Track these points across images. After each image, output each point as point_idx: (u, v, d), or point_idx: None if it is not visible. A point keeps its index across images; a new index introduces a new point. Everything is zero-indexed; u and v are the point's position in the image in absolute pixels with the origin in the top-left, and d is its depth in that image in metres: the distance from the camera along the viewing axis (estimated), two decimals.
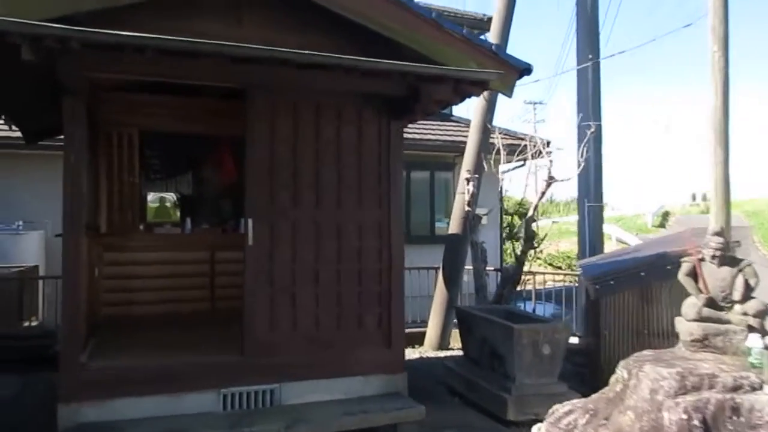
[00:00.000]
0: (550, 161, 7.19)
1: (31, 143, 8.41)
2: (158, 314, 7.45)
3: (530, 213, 7.57)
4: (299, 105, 5.67)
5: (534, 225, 7.97)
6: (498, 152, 9.23)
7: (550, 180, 7.31)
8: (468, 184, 8.59)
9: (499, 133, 9.49)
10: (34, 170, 10.37)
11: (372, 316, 5.84)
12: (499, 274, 10.48)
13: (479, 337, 6.69)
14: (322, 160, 5.74)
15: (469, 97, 6.35)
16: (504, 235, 15.53)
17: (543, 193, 7.47)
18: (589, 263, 7.53)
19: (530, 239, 7.56)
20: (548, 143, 11.65)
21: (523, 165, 14.27)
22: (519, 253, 7.63)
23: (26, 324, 9.47)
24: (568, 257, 21.81)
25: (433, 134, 13.16)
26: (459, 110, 14.94)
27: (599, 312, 6.27)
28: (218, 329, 6.76)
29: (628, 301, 6.21)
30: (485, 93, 7.40)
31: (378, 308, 5.85)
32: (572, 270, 20.50)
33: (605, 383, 4.80)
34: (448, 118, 14.27)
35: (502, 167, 14.01)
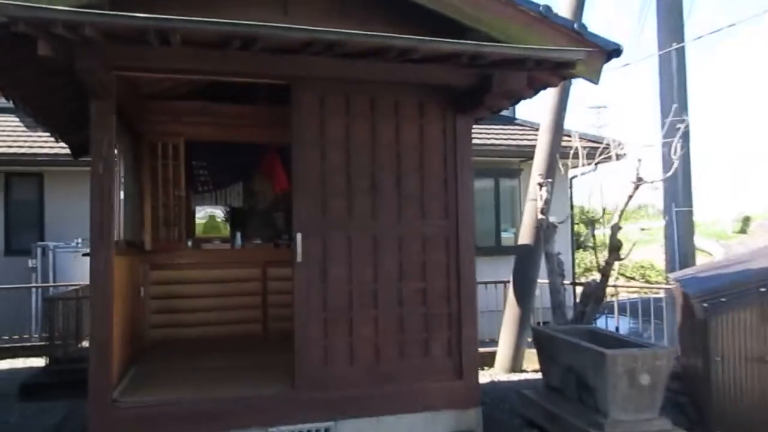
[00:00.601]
0: (639, 160, 6.21)
1: (78, 158, 7.98)
2: (207, 337, 6.82)
3: (615, 219, 6.59)
4: (352, 100, 4.92)
5: (616, 233, 6.95)
6: (575, 155, 8.27)
7: (639, 182, 6.33)
8: (541, 189, 7.64)
9: (569, 135, 8.54)
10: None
11: (440, 342, 5.00)
12: (575, 288, 9.49)
13: (563, 364, 5.74)
14: (378, 165, 4.96)
15: (544, 88, 5.46)
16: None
17: (630, 197, 6.48)
18: (687, 276, 6.48)
19: (616, 249, 6.58)
20: (607, 146, 10.56)
21: (594, 170, 13.26)
22: (603, 264, 6.65)
23: (82, 345, 9.05)
24: (642, 267, 20.34)
25: (496, 139, 12.24)
26: (522, 113, 13.96)
27: (708, 334, 5.24)
28: (269, 354, 6.06)
29: (746, 321, 5.16)
30: (561, 84, 6.48)
31: (447, 333, 5.01)
32: (648, 281, 19.11)
33: (718, 417, 3.82)
34: (512, 121, 13.32)
35: (572, 172, 13.01)
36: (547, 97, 8.35)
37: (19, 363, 9.28)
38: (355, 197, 4.89)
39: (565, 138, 8.83)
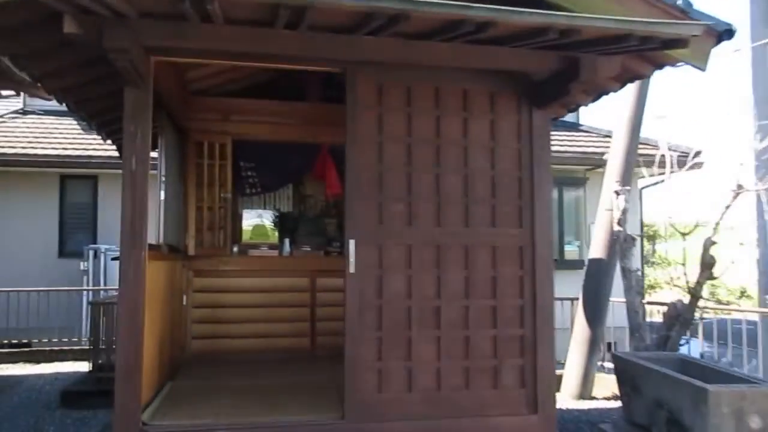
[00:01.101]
0: (740, 164, 5.36)
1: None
2: (251, 349, 6.27)
3: (710, 234, 5.72)
4: (414, 90, 4.28)
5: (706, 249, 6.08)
6: (647, 164, 7.45)
7: (739, 190, 5.47)
8: (617, 197, 6.82)
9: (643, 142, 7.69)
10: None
11: (511, 369, 4.28)
12: (643, 307, 8.58)
13: (651, 397, 4.92)
14: (443, 164, 4.30)
15: (632, 81, 4.71)
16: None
17: (728, 207, 5.63)
18: None
19: (709, 267, 5.72)
20: (698, 153, 9.65)
21: (665, 180, 12.23)
22: (694, 284, 5.79)
23: None
24: (713, 285, 18.92)
25: (560, 145, 11.38)
26: (584, 119, 13.06)
27: None
28: (317, 373, 5.46)
29: None
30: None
31: (520, 359, 4.29)
32: (720, 300, 17.76)
33: None
34: (576, 127, 12.44)
35: (641, 182, 12.03)
36: (625, 95, 7.51)
37: (67, 366, 9.00)
38: (417, 201, 4.24)
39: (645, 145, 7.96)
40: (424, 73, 4.24)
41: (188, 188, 6.13)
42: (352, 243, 4.10)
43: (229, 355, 6.20)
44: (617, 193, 6.92)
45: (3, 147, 10.97)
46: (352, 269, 4.09)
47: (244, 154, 6.58)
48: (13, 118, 12.56)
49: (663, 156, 7.41)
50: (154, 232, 5.25)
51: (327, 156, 6.68)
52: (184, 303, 6.16)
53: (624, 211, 6.84)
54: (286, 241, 6.64)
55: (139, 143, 3.92)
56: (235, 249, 6.52)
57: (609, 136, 12.13)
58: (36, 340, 9.62)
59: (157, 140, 5.30)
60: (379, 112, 4.24)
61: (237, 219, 6.82)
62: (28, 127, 12.09)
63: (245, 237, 6.75)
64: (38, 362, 9.36)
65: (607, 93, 4.88)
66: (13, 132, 11.76)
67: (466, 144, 4.34)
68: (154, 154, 5.41)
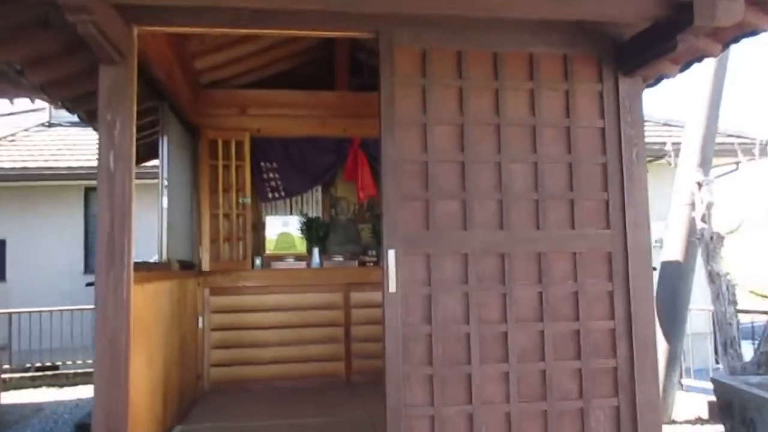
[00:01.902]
0: None
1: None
2: (277, 377, 5.34)
3: None
4: (467, 56, 3.30)
5: None
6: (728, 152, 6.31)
7: None
8: (700, 189, 5.71)
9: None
10: None
11: (603, 412, 3.23)
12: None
13: None
14: (506, 151, 3.30)
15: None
16: None
17: None
18: None
19: None
20: None
21: (735, 169, 10.95)
22: None
23: None
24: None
25: None
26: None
27: None
28: (352, 408, 4.51)
29: None
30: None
31: (613, 398, 3.24)
32: None
33: None
34: None
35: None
36: (701, 73, 6.38)
37: (90, 390, 8.25)
38: (473, 199, 3.25)
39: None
40: (478, 34, 3.26)
41: (201, 194, 5.25)
42: (391, 254, 3.13)
43: (252, 384, 5.28)
44: (700, 184, 5.80)
45: (26, 161, 10.37)
46: (392, 287, 3.12)
47: (265, 153, 5.67)
48: (38, 131, 12.01)
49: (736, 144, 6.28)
50: (156, 247, 4.37)
51: (359, 152, 5.72)
52: (200, 326, 5.27)
53: (709, 206, 5.72)
54: (315, 251, 5.70)
55: (119, 135, 3.03)
56: (258, 262, 5.61)
57: (668, 125, 10.95)
58: (60, 363, 8.89)
59: (153, 142, 4.45)
60: (422, 86, 3.27)
61: (258, 227, 5.91)
62: (53, 140, 11.50)
63: (268, 248, 5.83)
64: (62, 386, 8.64)
65: (701, 59, 3.80)
66: (36, 145, 11.18)
67: (534, 123, 3.33)
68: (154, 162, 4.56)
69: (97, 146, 3.04)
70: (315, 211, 6.17)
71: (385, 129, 3.21)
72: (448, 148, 3.26)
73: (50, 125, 12.12)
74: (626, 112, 3.35)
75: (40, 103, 10.04)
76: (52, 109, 12.05)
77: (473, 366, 3.15)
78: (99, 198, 2.98)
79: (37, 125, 12.12)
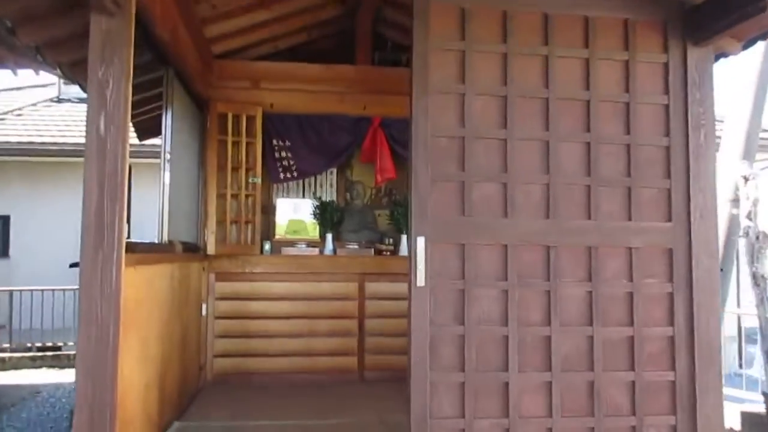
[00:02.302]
0: None
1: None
2: (285, 370, 4.94)
3: None
4: (512, 18, 2.84)
5: None
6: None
7: None
8: (746, 184, 5.22)
9: None
10: None
11: (660, 429, 2.79)
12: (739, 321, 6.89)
13: None
14: (554, 128, 2.85)
15: None
16: None
17: None
18: None
19: None
20: None
21: None
22: None
23: None
24: None
25: None
26: None
27: None
28: (365, 407, 4.11)
29: None
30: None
31: (671, 416, 2.80)
32: None
33: None
34: None
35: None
36: (747, 56, 5.87)
37: None
38: (516, 182, 2.80)
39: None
40: None
41: (208, 171, 4.82)
42: (420, 242, 2.69)
43: (257, 377, 4.89)
44: (746, 178, 5.31)
45: (32, 136, 10.01)
46: (420, 280, 2.68)
47: (277, 130, 5.24)
48: (46, 106, 11.65)
49: None
50: (157, 226, 3.96)
51: (378, 131, 5.28)
52: (204, 313, 4.87)
53: (755, 202, 5.23)
54: (329, 237, 5.27)
55: (113, 96, 2.60)
56: (267, 247, 5.19)
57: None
58: (62, 343, 8.56)
59: (158, 118, 4.03)
60: (461, 51, 2.81)
61: (268, 210, 5.49)
62: (61, 115, 11.13)
63: (278, 232, 5.42)
64: (63, 368, 8.29)
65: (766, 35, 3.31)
66: (44, 120, 10.82)
67: (587, 98, 2.87)
68: (155, 141, 4.16)
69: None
70: (329, 194, 5.74)
71: (416, 99, 2.77)
72: (489, 123, 2.81)
73: (59, 101, 11.76)
74: (695, 88, 2.89)
75: (48, 78, 9.66)
76: (62, 84, 11.70)
77: (511, 374, 2.72)
78: (86, 167, 2.56)
79: (45, 100, 11.76)
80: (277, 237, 5.39)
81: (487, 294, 2.75)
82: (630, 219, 2.85)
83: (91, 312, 2.50)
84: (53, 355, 8.44)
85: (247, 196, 4.98)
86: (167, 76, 4.00)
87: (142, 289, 3.12)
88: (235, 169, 4.94)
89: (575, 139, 2.85)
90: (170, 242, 3.98)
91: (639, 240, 2.84)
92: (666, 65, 2.92)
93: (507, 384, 2.72)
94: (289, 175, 5.28)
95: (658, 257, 2.85)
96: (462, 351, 2.71)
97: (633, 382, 2.79)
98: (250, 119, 5.01)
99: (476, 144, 2.79)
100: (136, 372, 3.03)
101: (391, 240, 5.36)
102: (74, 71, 3.76)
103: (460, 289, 2.74)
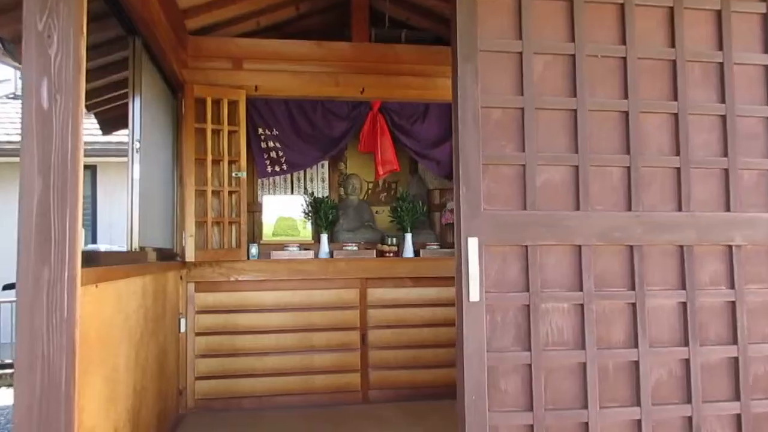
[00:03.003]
0: None
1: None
2: (279, 392, 4.26)
3: None
4: None
5: None
6: None
7: None
8: None
9: None
10: None
11: None
12: None
13: None
14: (634, 95, 2.22)
15: None
16: None
17: None
18: None
19: None
20: None
21: None
22: None
23: None
24: None
25: None
26: None
27: None
28: None
29: None
30: None
31: None
32: None
33: None
34: None
35: None
36: None
37: None
38: (588, 163, 2.17)
39: None
40: None
41: (184, 165, 4.09)
42: (473, 244, 2.04)
43: (246, 401, 4.20)
44: None
45: None
46: (474, 294, 2.03)
47: (263, 118, 4.53)
48: (2, 102, 10.72)
49: None
50: (126, 231, 3.25)
51: (379, 118, 4.61)
52: (182, 330, 4.15)
53: None
54: (324, 238, 4.59)
55: (59, 56, 1.89)
56: (254, 251, 4.49)
57: None
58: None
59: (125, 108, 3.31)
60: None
61: (254, 209, 4.78)
62: (18, 113, 10.18)
63: (266, 233, 4.72)
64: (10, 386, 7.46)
65: None
66: None
67: (674, 57, 2.25)
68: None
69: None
70: (321, 190, 5.06)
71: (462, 60, 2.11)
72: (553, 89, 2.18)
73: (15, 97, 10.86)
74: None
75: (5, 73, 8.77)
76: (19, 79, 10.79)
77: (590, 411, 2.09)
78: (24, 153, 1.85)
79: (1, 97, 10.85)
80: (264, 239, 4.69)
81: (557, 309, 2.12)
82: (728, 209, 2.25)
83: (34, 352, 1.79)
84: (10, 374, 7.60)
85: (230, 192, 4.27)
86: (134, 48, 3.28)
87: (107, 313, 2.41)
88: (217, 162, 4.23)
89: (660, 109, 2.23)
90: (142, 249, 3.27)
91: (741, 236, 2.23)
92: (765, 17, 2.32)
93: (586, 424, 2.09)
94: (277, 169, 4.58)
95: (764, 257, 2.25)
96: (528, 384, 2.08)
97: (738, 416, 2.19)
98: (233, 105, 4.30)
99: (538, 117, 2.15)
100: (102, 418, 2.33)
101: (393, 240, 4.70)
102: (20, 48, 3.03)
103: (523, 305, 2.10)
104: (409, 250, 4.63)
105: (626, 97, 2.21)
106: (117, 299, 2.59)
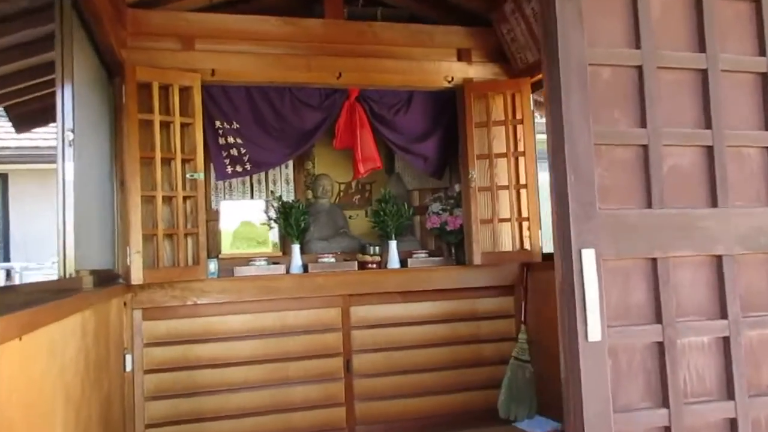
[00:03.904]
0: None
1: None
2: None
3: None
4: None
5: None
6: None
7: None
8: None
9: None
10: None
11: None
12: None
13: None
14: None
15: None
16: None
17: None
18: None
19: None
20: None
21: None
22: None
23: None
24: None
25: None
26: None
27: None
28: None
29: None
30: None
31: None
32: None
33: None
34: None
35: None
36: None
37: None
38: (724, 142, 1.57)
39: None
40: None
41: (126, 165, 3.24)
42: (589, 258, 1.40)
43: None
44: None
45: None
46: (594, 332, 1.38)
47: (222, 108, 3.72)
48: None
49: None
50: (58, 251, 2.40)
51: (357, 108, 3.90)
52: (128, 368, 3.29)
53: None
54: (296, 249, 3.83)
55: None
56: (212, 267, 3.67)
57: None
58: None
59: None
60: None
61: (210, 217, 3.96)
62: None
63: (226, 246, 3.91)
64: None
65: None
66: None
67: None
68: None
69: None
70: (285, 193, 4.29)
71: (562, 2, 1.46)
72: (674, 40, 1.56)
73: None
74: None
75: None
76: None
77: None
78: None
79: None
80: (224, 253, 3.88)
81: (696, 345, 1.50)
82: None
83: None
84: None
85: (185, 198, 3.44)
86: (62, 12, 2.44)
87: (36, 370, 1.61)
88: (167, 161, 3.39)
89: None
90: (78, 274, 2.43)
91: None
92: None
93: None
94: (239, 169, 3.78)
95: None
96: None
97: None
98: (185, 92, 3.48)
99: (660, 77, 1.54)
100: None
101: (375, 248, 4.00)
102: None
103: (654, 342, 1.47)
104: (394, 260, 3.95)
105: (763, 53, 1.62)
106: (50, 349, 1.78)
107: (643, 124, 1.51)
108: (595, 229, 1.43)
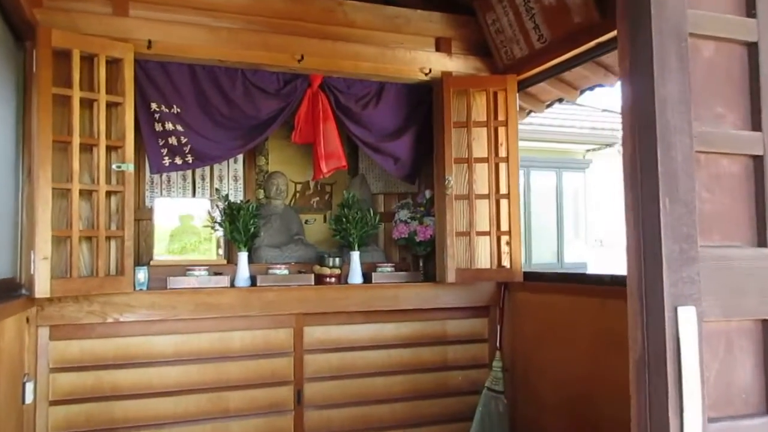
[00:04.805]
0: None
1: None
2: None
3: None
4: None
5: None
6: None
7: None
8: None
9: None
10: None
11: None
12: None
13: None
14: None
15: None
16: None
17: None
18: None
19: None
20: None
21: None
22: None
23: None
24: None
25: (554, 120, 8.65)
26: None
27: None
28: None
29: None
30: None
31: None
32: None
33: None
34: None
35: None
36: None
37: None
38: None
39: None
40: None
41: (35, 150, 2.61)
42: (688, 321, 0.92)
43: None
44: None
45: None
46: (694, 426, 0.91)
47: (160, 88, 3.11)
48: None
49: None
50: None
51: (321, 97, 3.35)
52: (28, 399, 2.66)
53: None
54: (242, 258, 3.26)
55: None
56: (141, 277, 3.06)
57: (608, 111, 9.62)
58: None
59: None
60: None
61: (141, 216, 3.34)
62: None
63: (160, 251, 3.30)
64: None
65: None
66: None
67: None
68: None
69: None
70: (233, 192, 3.72)
71: None
72: None
73: None
74: None
75: None
76: None
77: None
78: None
79: None
80: (156, 260, 3.27)
81: None
82: None
83: None
84: None
85: (109, 193, 2.83)
86: None
87: None
88: (88, 147, 2.77)
89: None
90: None
91: None
92: None
93: None
94: (179, 162, 3.17)
95: None
96: None
97: None
98: (114, 65, 2.87)
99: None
100: None
101: (335, 260, 3.46)
102: None
103: None
104: (356, 274, 3.44)
105: None
106: None
107: (756, 125, 1.05)
108: (697, 277, 0.96)
